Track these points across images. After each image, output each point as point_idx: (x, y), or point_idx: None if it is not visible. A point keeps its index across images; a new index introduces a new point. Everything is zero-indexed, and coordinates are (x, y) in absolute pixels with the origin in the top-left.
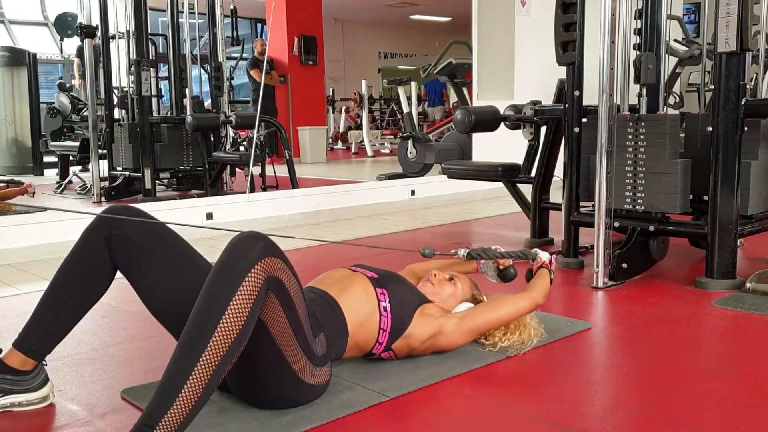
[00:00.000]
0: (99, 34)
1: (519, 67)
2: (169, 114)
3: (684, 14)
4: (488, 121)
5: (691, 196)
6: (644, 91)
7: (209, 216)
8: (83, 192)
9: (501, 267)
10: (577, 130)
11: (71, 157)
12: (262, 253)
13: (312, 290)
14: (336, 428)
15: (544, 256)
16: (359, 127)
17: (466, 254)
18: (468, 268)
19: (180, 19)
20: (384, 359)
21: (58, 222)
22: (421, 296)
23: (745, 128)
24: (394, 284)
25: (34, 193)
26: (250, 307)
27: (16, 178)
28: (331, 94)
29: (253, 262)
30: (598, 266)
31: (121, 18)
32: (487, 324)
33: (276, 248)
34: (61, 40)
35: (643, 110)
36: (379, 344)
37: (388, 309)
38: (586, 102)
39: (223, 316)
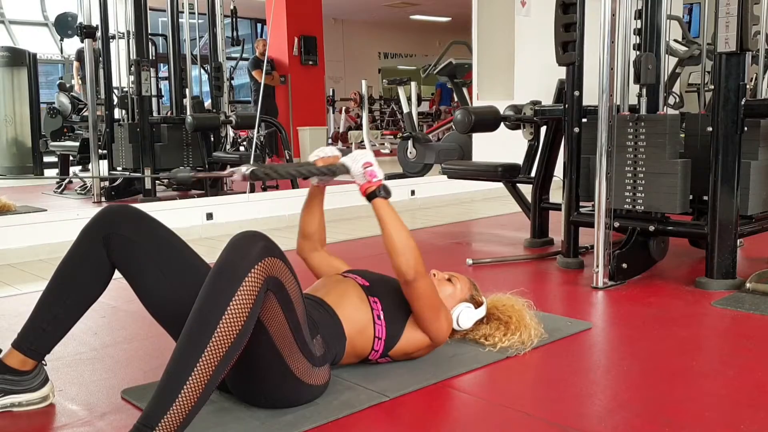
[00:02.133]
0: (99, 34)
1: (519, 67)
2: (169, 114)
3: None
4: (488, 121)
5: (691, 196)
6: (644, 91)
7: (209, 216)
8: (83, 192)
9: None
10: (577, 130)
11: (71, 157)
12: (262, 253)
13: (308, 297)
14: (336, 428)
15: (354, 168)
16: (359, 127)
17: (249, 173)
18: (314, 196)
19: (180, 19)
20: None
21: (58, 222)
22: None
23: (745, 128)
24: (386, 291)
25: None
26: (250, 308)
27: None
28: (331, 94)
29: (253, 263)
30: (598, 266)
31: (121, 18)
32: (431, 320)
33: (276, 248)
34: (61, 40)
35: (643, 110)
36: (375, 351)
37: (382, 317)
38: (586, 102)
39: (223, 317)
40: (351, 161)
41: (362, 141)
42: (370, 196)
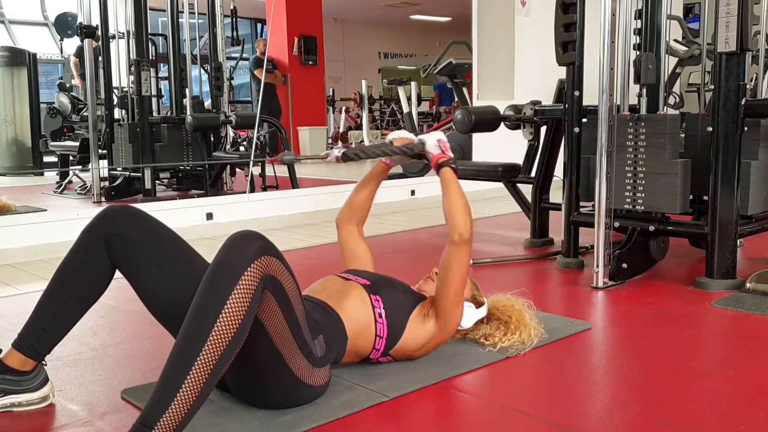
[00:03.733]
0: (99, 34)
1: (519, 67)
2: (169, 114)
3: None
4: (488, 121)
5: (691, 196)
6: (644, 91)
7: (209, 216)
8: (83, 192)
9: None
10: (577, 130)
11: (71, 157)
12: (259, 251)
13: (309, 299)
14: (336, 428)
15: (430, 142)
16: (359, 127)
17: (341, 155)
18: (379, 174)
19: (180, 19)
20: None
21: (58, 222)
22: (417, 295)
23: (745, 128)
24: (388, 289)
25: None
26: (247, 306)
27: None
28: (331, 94)
29: (249, 261)
30: (598, 266)
31: (121, 18)
32: (453, 298)
33: (272, 247)
34: (61, 40)
35: (643, 110)
36: (376, 350)
37: (383, 315)
38: (586, 102)
39: (220, 315)
40: (427, 137)
41: (362, 141)
42: (441, 165)
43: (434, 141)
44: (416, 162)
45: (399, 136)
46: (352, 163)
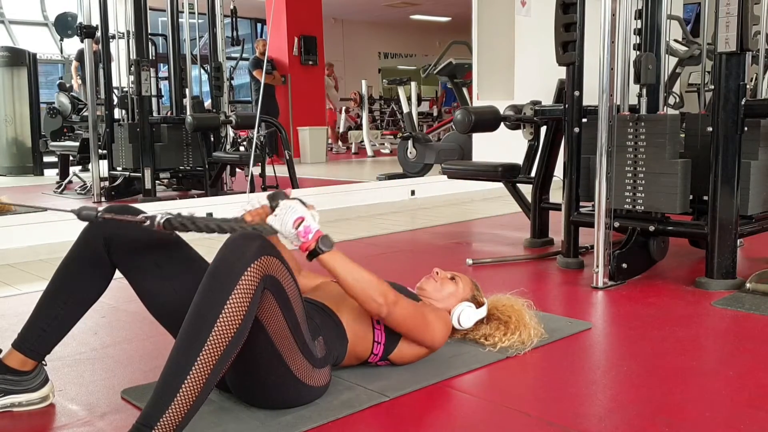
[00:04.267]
0: (99, 34)
1: (519, 67)
2: (169, 114)
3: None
4: (488, 121)
5: (691, 196)
6: (644, 91)
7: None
8: (83, 192)
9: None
10: (577, 130)
11: (71, 157)
12: (258, 252)
13: (309, 300)
14: (336, 428)
15: (285, 229)
16: (359, 127)
17: (164, 221)
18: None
19: (180, 19)
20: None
21: (58, 222)
22: (414, 298)
23: (745, 128)
24: None
25: None
26: (247, 307)
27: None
28: None
29: (249, 262)
30: (598, 266)
31: (121, 18)
32: (425, 335)
33: (272, 248)
34: (61, 40)
35: (643, 110)
36: (374, 355)
37: (381, 322)
38: (586, 102)
39: (220, 316)
40: (279, 224)
41: (362, 141)
42: (311, 255)
43: (290, 230)
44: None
45: (250, 207)
46: (355, 166)
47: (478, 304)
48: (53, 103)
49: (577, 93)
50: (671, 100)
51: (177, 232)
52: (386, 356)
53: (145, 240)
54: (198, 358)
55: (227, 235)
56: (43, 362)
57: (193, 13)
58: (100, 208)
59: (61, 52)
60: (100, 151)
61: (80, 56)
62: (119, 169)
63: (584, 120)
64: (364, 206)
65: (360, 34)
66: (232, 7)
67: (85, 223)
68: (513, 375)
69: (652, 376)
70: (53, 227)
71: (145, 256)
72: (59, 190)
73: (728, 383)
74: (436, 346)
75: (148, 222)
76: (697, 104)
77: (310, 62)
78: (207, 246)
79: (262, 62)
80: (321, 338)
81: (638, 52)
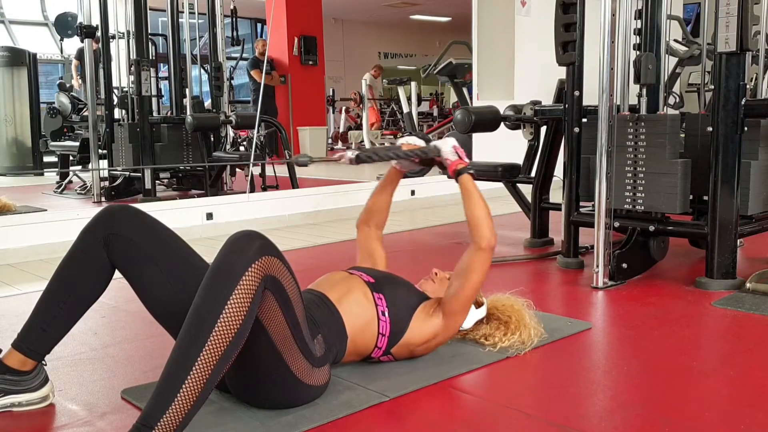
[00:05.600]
0: (99, 34)
1: (519, 67)
2: (169, 114)
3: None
4: (488, 121)
5: (691, 196)
6: (644, 91)
7: (209, 216)
8: (83, 192)
9: (414, 160)
10: (577, 130)
11: (71, 157)
12: (259, 252)
13: (311, 292)
14: (336, 428)
15: (445, 148)
16: (359, 127)
17: (354, 157)
18: (392, 180)
19: (180, 19)
20: (383, 362)
21: (58, 222)
22: (420, 294)
23: (745, 128)
24: (391, 287)
25: None
26: (248, 307)
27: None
28: (331, 94)
29: (249, 261)
30: (598, 266)
31: (121, 18)
32: (465, 300)
33: (273, 247)
34: (61, 40)
35: (643, 110)
36: (378, 348)
37: (386, 314)
38: (586, 102)
39: (221, 316)
40: (442, 143)
41: (362, 141)
42: (460, 172)
43: (449, 147)
44: (426, 167)
45: (412, 141)
46: (355, 166)
47: (478, 304)
48: (53, 102)
49: (577, 93)
50: (671, 100)
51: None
52: (390, 349)
53: (145, 240)
54: (199, 358)
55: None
56: (43, 362)
57: (193, 13)
58: (99, 208)
59: (61, 52)
60: (100, 150)
61: (80, 55)
62: (119, 168)
63: (584, 120)
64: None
65: (360, 34)
66: (232, 7)
67: (84, 224)
68: (513, 375)
69: (652, 376)
70: (53, 227)
71: (144, 255)
72: (59, 190)
73: (728, 383)
74: (454, 325)
75: (342, 159)
76: (697, 104)
77: (310, 62)
78: (207, 246)
79: (259, 62)
80: (320, 336)
81: (638, 52)
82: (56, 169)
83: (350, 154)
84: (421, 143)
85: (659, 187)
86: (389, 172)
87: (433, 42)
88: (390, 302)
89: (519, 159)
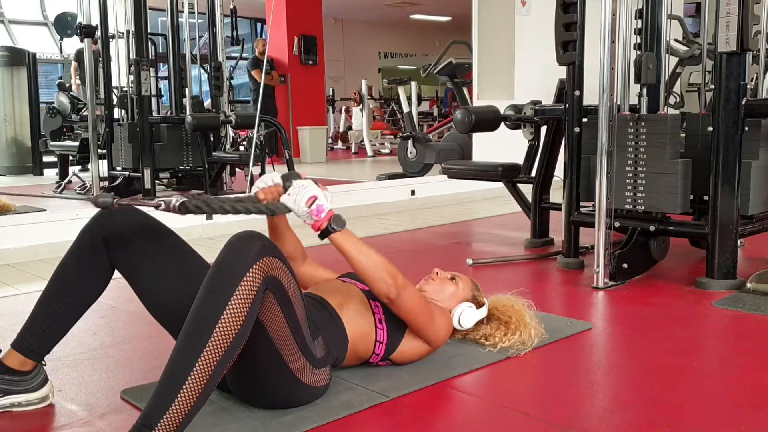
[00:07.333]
0: (98, 33)
1: (519, 67)
2: (169, 114)
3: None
4: (488, 121)
5: (691, 196)
6: (644, 91)
7: (209, 216)
8: (83, 192)
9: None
10: (577, 130)
11: (71, 157)
12: (260, 252)
13: (310, 296)
14: (336, 428)
15: (297, 207)
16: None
17: (179, 204)
18: (274, 226)
19: (180, 19)
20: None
21: (58, 222)
22: None
23: (746, 128)
24: None
25: None
26: (248, 307)
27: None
28: (331, 94)
29: (251, 262)
30: (598, 266)
31: (120, 18)
32: (429, 327)
33: (274, 248)
34: (61, 40)
35: (644, 110)
36: (376, 355)
37: (383, 321)
38: (586, 102)
39: (221, 317)
40: (292, 202)
41: (362, 141)
42: (323, 234)
43: (303, 208)
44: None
45: (264, 185)
46: (355, 166)
47: (479, 305)
48: (53, 102)
49: (577, 93)
50: (672, 100)
51: (176, 232)
52: (388, 356)
53: (144, 240)
54: (199, 359)
55: (241, 215)
56: (43, 362)
57: (193, 12)
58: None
59: (61, 52)
60: (99, 150)
61: (79, 57)
62: (119, 168)
63: (584, 120)
64: (364, 206)
65: (360, 34)
66: (232, 6)
67: (84, 224)
68: (513, 375)
69: (652, 376)
70: (53, 227)
71: (144, 256)
72: (59, 190)
73: (728, 383)
74: (439, 341)
75: (163, 206)
76: (697, 104)
77: (310, 62)
78: (207, 246)
79: (260, 62)
80: (321, 338)
81: (638, 52)
82: (55, 169)
83: (175, 201)
84: (278, 182)
85: (660, 187)
86: (267, 220)
87: (433, 42)
88: (386, 310)
89: (519, 159)
